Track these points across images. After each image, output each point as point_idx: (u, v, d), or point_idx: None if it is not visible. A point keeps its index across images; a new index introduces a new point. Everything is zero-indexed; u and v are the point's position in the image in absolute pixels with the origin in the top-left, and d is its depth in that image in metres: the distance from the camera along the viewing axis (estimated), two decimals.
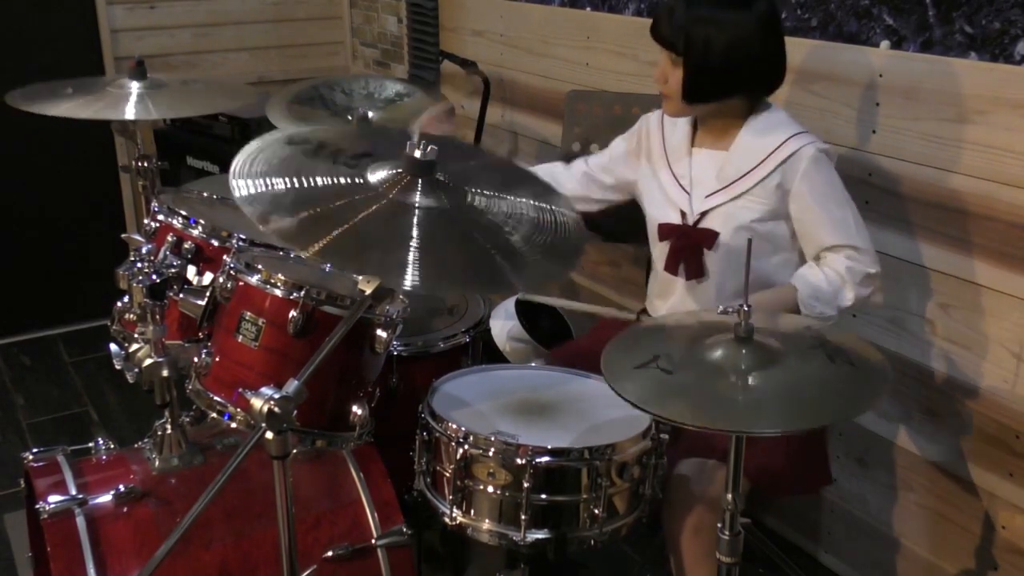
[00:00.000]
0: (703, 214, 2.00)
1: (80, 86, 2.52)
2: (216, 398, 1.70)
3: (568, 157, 2.63)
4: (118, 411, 3.31)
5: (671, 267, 2.06)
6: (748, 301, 1.46)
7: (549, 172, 2.25)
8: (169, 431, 1.87)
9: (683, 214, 2.03)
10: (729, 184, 1.97)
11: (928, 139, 2.07)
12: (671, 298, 2.12)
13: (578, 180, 2.24)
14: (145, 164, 2.54)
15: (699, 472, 1.85)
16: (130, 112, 2.40)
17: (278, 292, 1.68)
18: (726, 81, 1.92)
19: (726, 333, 1.48)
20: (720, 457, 1.84)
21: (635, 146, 2.17)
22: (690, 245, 2.01)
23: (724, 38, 1.86)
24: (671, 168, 2.07)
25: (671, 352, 1.49)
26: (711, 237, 1.98)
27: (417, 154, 1.56)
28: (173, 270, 1.81)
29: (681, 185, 2.04)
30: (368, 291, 1.54)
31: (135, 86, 2.49)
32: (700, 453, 1.87)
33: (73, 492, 1.75)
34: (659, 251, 2.11)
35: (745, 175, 1.96)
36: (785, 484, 2.01)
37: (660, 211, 2.08)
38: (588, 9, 2.98)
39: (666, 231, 2.06)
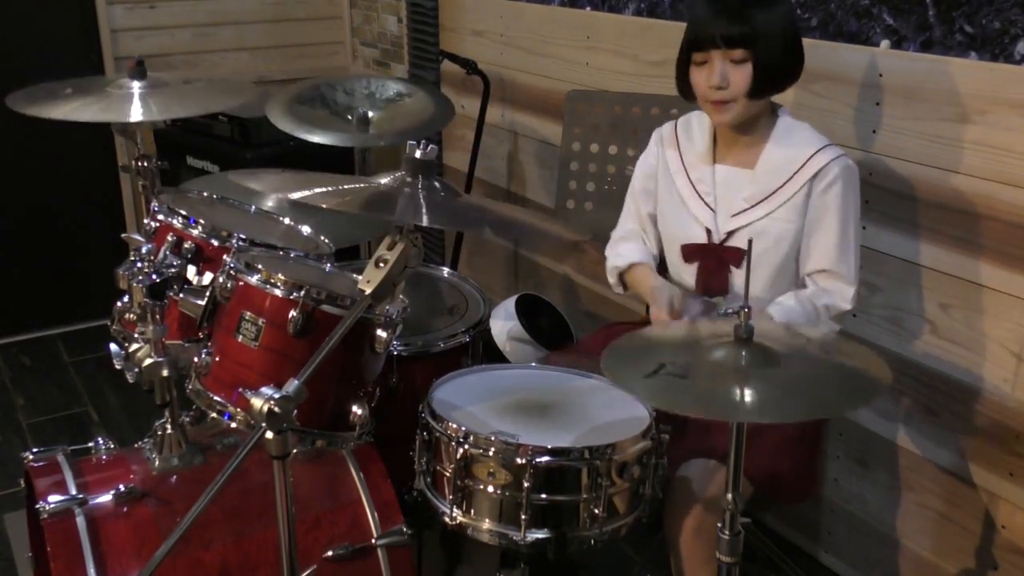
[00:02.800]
0: (730, 233, 1.98)
1: (79, 86, 2.52)
2: (216, 398, 1.70)
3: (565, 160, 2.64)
4: (118, 411, 3.31)
5: (700, 288, 2.02)
6: (747, 303, 1.47)
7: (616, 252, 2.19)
8: (169, 431, 1.87)
9: (708, 232, 2.00)
10: (757, 203, 1.95)
11: (928, 139, 2.07)
12: None
13: (641, 243, 2.17)
14: (145, 164, 2.54)
15: (701, 473, 1.85)
16: (132, 115, 2.39)
17: (278, 292, 1.68)
18: (789, 70, 1.91)
19: (724, 337, 1.49)
20: (722, 458, 1.84)
21: (653, 167, 2.13)
22: (717, 264, 1.99)
23: (780, 27, 1.86)
24: (692, 183, 2.03)
25: (675, 359, 1.50)
26: (738, 255, 1.96)
27: (417, 154, 1.57)
28: (173, 270, 1.81)
29: (706, 203, 2.01)
30: (368, 291, 1.54)
31: (135, 86, 2.49)
32: (703, 454, 1.87)
33: (73, 492, 1.75)
34: (680, 270, 2.08)
35: (773, 193, 1.93)
36: (788, 490, 2.00)
37: (683, 230, 2.04)
38: (588, 9, 2.98)
39: (692, 251, 2.03)
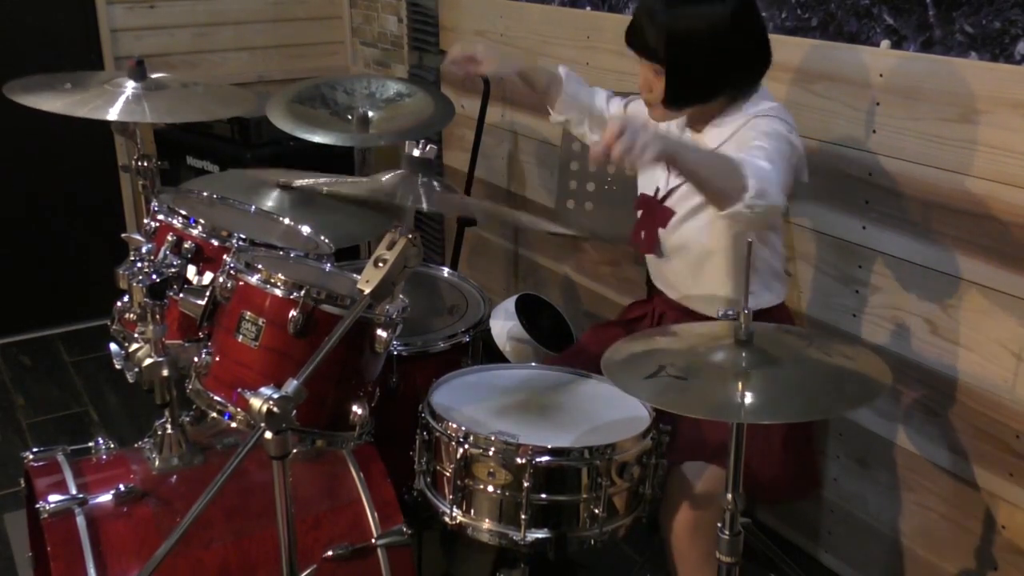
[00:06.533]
0: (671, 191, 2.01)
1: (78, 81, 2.51)
2: (216, 398, 1.70)
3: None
4: (118, 411, 3.31)
5: (635, 238, 2.09)
6: (747, 301, 1.47)
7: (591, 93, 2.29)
8: (169, 431, 1.87)
9: (657, 188, 2.05)
10: None
11: (928, 139, 2.07)
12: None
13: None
14: (145, 164, 2.54)
15: (699, 473, 1.85)
16: (129, 115, 2.39)
17: (278, 292, 1.68)
18: (708, 85, 1.89)
19: (724, 339, 1.49)
20: (715, 456, 1.84)
21: (629, 108, 2.19)
22: (650, 220, 2.04)
23: (702, 42, 1.82)
24: None
25: (674, 360, 1.50)
26: (667, 216, 2.00)
27: (416, 152, 1.58)
28: (173, 270, 1.81)
29: None
30: (368, 291, 1.54)
31: (133, 86, 2.49)
32: (700, 455, 1.87)
33: (73, 492, 1.75)
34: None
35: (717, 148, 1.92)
36: (783, 491, 2.00)
37: (645, 181, 2.10)
38: (588, 9, 2.98)
39: (639, 202, 2.10)
